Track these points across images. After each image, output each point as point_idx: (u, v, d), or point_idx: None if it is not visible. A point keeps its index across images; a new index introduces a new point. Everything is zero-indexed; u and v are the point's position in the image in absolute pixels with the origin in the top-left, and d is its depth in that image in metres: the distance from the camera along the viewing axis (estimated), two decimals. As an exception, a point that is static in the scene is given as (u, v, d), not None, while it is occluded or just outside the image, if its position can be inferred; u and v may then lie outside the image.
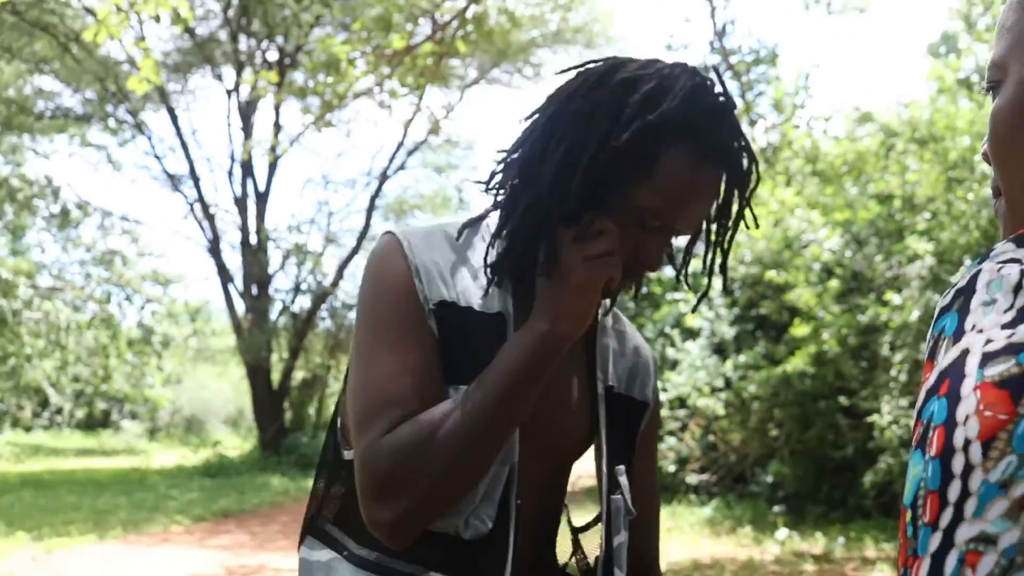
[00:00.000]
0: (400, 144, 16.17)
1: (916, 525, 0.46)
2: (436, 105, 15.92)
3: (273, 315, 16.06)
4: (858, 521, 7.89)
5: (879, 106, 8.52)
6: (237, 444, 17.68)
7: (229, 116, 16.84)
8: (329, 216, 17.04)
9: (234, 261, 15.90)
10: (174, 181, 15.82)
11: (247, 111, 15.77)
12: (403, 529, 0.95)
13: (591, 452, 1.13)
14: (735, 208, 1.03)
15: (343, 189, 20.91)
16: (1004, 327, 0.46)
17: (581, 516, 1.18)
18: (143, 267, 18.05)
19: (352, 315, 17.50)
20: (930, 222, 7.44)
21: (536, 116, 1.03)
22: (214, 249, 15.46)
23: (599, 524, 1.10)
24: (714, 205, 1.03)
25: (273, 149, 13.70)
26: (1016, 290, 0.47)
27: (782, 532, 7.61)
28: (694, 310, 1.14)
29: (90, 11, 13.33)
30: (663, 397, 9.09)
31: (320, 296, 16.55)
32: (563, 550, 1.17)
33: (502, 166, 1.06)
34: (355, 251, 16.56)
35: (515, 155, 1.04)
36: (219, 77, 16.07)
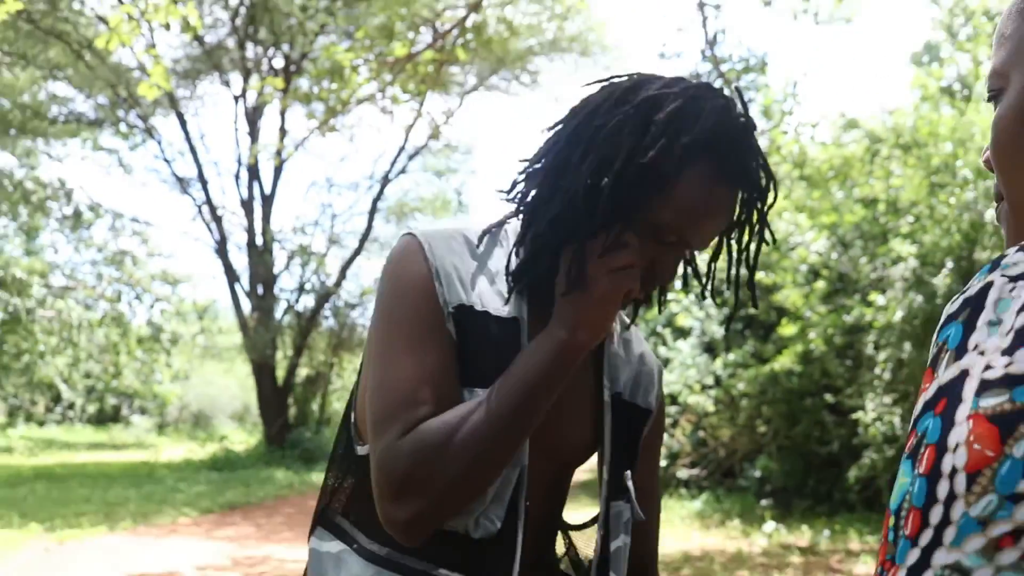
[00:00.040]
0: (401, 148, 16.17)
1: (897, 533, 0.46)
2: (436, 111, 15.89)
3: (278, 314, 16.04)
4: (843, 514, 7.90)
5: (864, 113, 8.53)
6: (243, 439, 17.67)
7: (236, 121, 16.81)
8: (333, 218, 17.02)
9: (240, 261, 15.88)
10: (183, 184, 15.81)
11: (254, 116, 15.75)
12: (418, 528, 0.94)
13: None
14: (756, 227, 1.03)
15: (346, 192, 20.85)
16: (1004, 352, 0.45)
17: (574, 511, 1.17)
18: (153, 267, 18.03)
19: (354, 314, 17.51)
20: (913, 225, 7.44)
21: (559, 127, 1.02)
22: (221, 250, 15.45)
23: (595, 525, 1.10)
24: (728, 222, 1.02)
25: (279, 153, 13.65)
26: (1021, 311, 0.46)
27: (769, 525, 7.62)
28: (726, 328, 1.13)
29: (102, 19, 13.31)
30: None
31: (323, 296, 16.54)
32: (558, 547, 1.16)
33: (524, 175, 1.04)
34: (357, 252, 16.56)
35: (537, 165, 1.02)
36: (227, 83, 16.05)
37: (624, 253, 0.96)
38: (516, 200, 1.05)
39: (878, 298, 7.34)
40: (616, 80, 1.02)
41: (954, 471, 0.43)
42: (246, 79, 15.45)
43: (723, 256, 1.08)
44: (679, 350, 9.41)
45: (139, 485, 10.87)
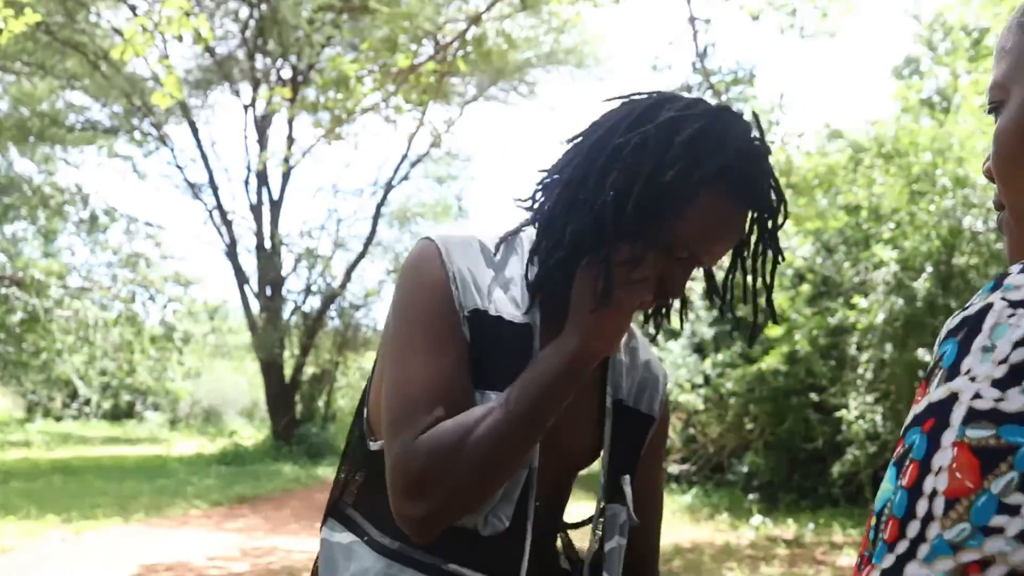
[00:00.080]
0: (404, 156, 16.17)
1: (877, 534, 0.47)
2: (438, 120, 15.88)
3: (286, 314, 16.03)
4: (827, 508, 7.90)
5: (848, 124, 8.52)
6: (252, 434, 17.64)
7: (246, 129, 16.83)
8: (338, 223, 17.02)
9: (250, 264, 15.86)
10: (194, 189, 15.80)
11: (262, 125, 15.74)
12: (431, 526, 0.94)
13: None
14: (771, 245, 1.03)
15: (351, 197, 20.91)
16: (995, 384, 0.44)
17: (571, 508, 1.17)
18: (165, 269, 17.98)
19: (358, 315, 17.53)
20: (894, 231, 7.44)
21: (579, 140, 1.01)
22: (231, 253, 15.43)
23: (590, 524, 1.09)
24: (738, 240, 1.03)
25: (286, 160, 13.66)
26: (1018, 345, 0.45)
27: (756, 518, 7.62)
28: (750, 345, 1.12)
29: (118, 31, 13.29)
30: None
31: (329, 297, 16.52)
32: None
33: (541, 185, 1.03)
34: (362, 255, 16.55)
35: (555, 176, 1.02)
36: (237, 93, 16.04)
37: (630, 267, 0.96)
38: (533, 209, 1.04)
39: (861, 301, 7.34)
40: (636, 98, 1.01)
41: (935, 493, 0.44)
42: (255, 89, 15.44)
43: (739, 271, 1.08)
44: (670, 350, 9.41)
45: (152, 478, 10.86)
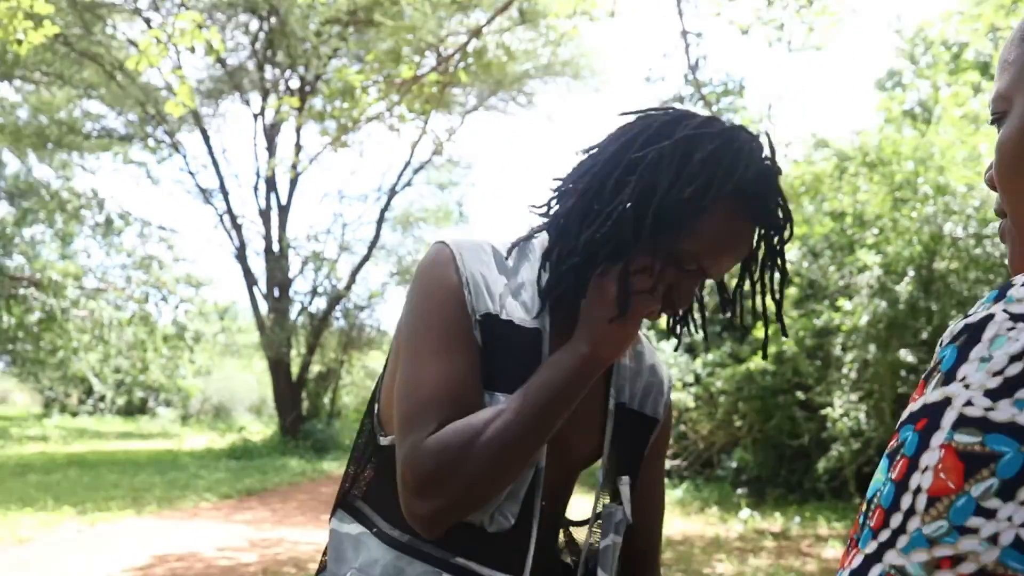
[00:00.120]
0: (407, 163, 16.14)
1: (865, 521, 0.48)
2: (440, 129, 15.88)
3: (293, 315, 16.00)
4: (812, 502, 7.89)
5: (833, 133, 8.52)
6: (260, 430, 17.60)
7: (255, 137, 16.76)
8: (343, 227, 16.99)
9: (258, 266, 15.83)
10: (206, 194, 15.77)
11: (271, 133, 15.72)
12: (438, 522, 0.93)
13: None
14: (777, 261, 1.03)
15: (356, 203, 20.86)
16: (987, 393, 0.45)
17: (580, 502, 1.16)
18: (177, 271, 17.97)
19: (362, 315, 17.50)
20: (878, 237, 7.44)
21: (595, 151, 1.01)
22: (241, 255, 15.40)
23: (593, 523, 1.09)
24: (745, 255, 1.03)
25: (294, 167, 13.62)
26: (1014, 359, 0.45)
27: (745, 512, 7.60)
28: (764, 357, 1.13)
29: (133, 43, 13.29)
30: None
31: (335, 298, 16.50)
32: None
33: (556, 193, 1.03)
34: (366, 258, 16.53)
35: (571, 185, 1.01)
36: (247, 102, 16.02)
37: (647, 277, 0.96)
38: (546, 216, 1.03)
39: (845, 304, 7.34)
40: (653, 113, 1.01)
41: (919, 489, 0.45)
42: (264, 98, 15.42)
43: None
44: (662, 350, 9.40)
45: (164, 472, 10.83)
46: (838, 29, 7.15)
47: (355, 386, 19.30)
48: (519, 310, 1.01)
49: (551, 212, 1.03)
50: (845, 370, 7.45)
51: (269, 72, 15.59)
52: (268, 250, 15.53)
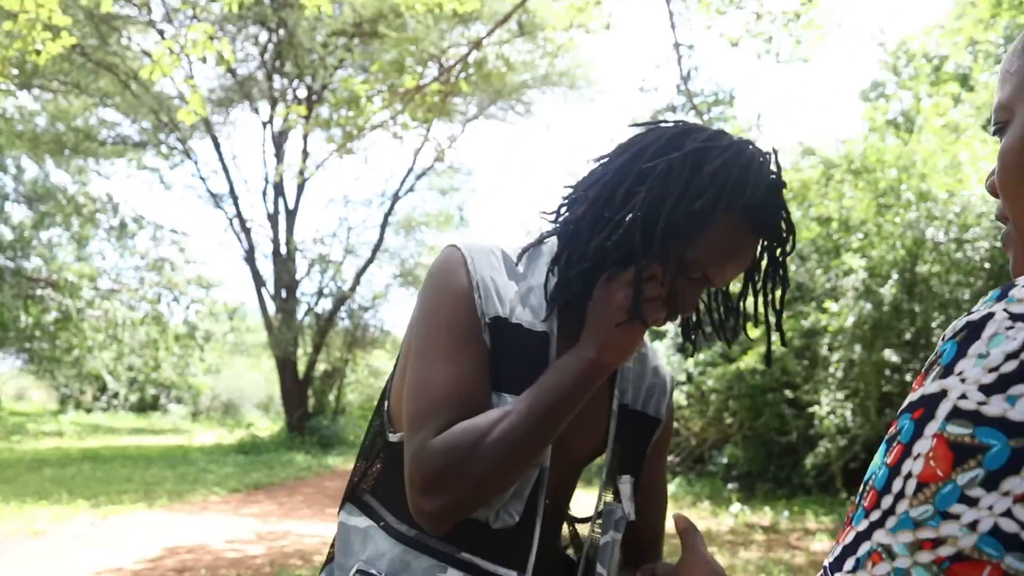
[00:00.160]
0: (410, 169, 16.13)
1: (860, 500, 0.49)
2: (441, 136, 15.85)
3: (299, 315, 15.97)
4: (800, 497, 7.87)
5: (820, 142, 8.51)
6: (267, 426, 17.57)
7: (264, 144, 16.70)
8: (348, 230, 16.96)
9: (266, 268, 15.80)
10: (216, 199, 15.73)
11: (279, 140, 15.70)
12: (444, 520, 0.92)
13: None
14: (779, 272, 1.02)
15: (360, 207, 20.80)
16: (982, 388, 0.46)
17: (584, 498, 1.15)
18: (189, 273, 17.95)
19: (367, 316, 17.47)
20: (863, 241, 7.43)
21: (606, 160, 1.00)
22: (249, 258, 15.37)
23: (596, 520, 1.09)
24: (749, 265, 1.02)
25: (301, 172, 13.64)
26: (1010, 356, 0.46)
27: (735, 506, 7.58)
28: (768, 365, 1.12)
29: (147, 53, 13.27)
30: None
31: (340, 299, 16.47)
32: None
33: (567, 200, 1.02)
34: (370, 261, 16.51)
35: (581, 193, 1.00)
36: (256, 110, 15.99)
37: (656, 285, 0.95)
38: (557, 222, 1.02)
39: (832, 305, 7.32)
40: (664, 125, 1.01)
41: (910, 475, 0.46)
42: (273, 107, 15.40)
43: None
44: (655, 350, 9.37)
45: (174, 466, 10.79)
46: (824, 42, 7.14)
47: (359, 384, 19.27)
48: (527, 314, 1.00)
49: (561, 218, 1.02)
50: (832, 369, 7.44)
51: (277, 82, 15.57)
52: (276, 253, 15.51)
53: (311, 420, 15.16)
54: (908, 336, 7.13)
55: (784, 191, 1.00)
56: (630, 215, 0.93)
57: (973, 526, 0.43)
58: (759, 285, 1.04)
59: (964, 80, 10.06)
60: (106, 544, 5.72)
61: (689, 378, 9.05)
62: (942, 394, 0.47)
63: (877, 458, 0.50)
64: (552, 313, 1.00)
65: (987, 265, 6.58)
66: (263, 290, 15.45)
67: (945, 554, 0.44)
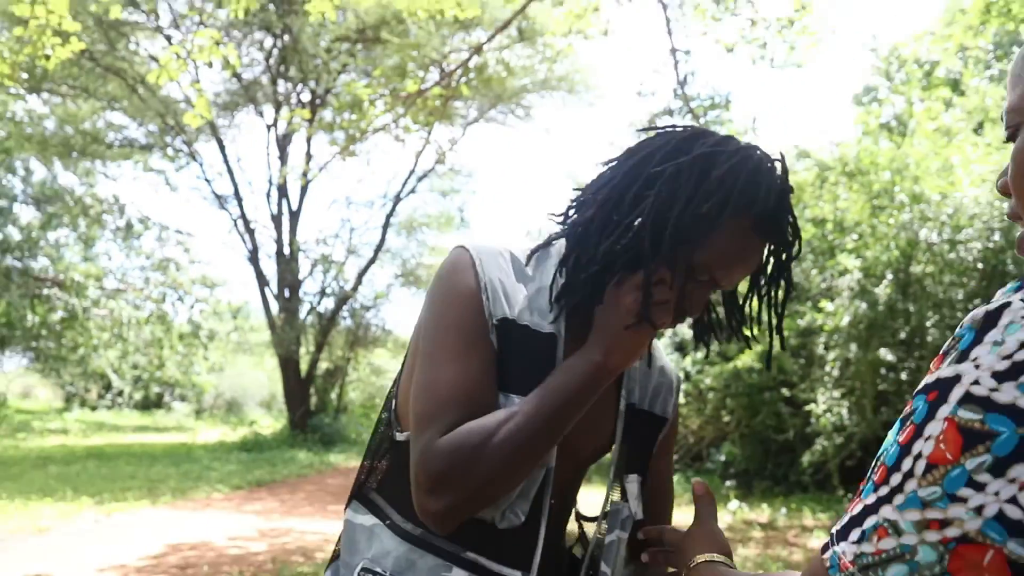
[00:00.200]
0: (411, 171, 16.10)
1: (870, 475, 0.50)
2: (442, 139, 15.81)
3: (302, 315, 15.92)
4: (797, 494, 7.82)
5: (814, 145, 8.48)
6: (270, 424, 17.51)
7: (268, 146, 16.70)
8: (351, 231, 16.92)
9: (270, 268, 15.76)
10: (221, 200, 15.69)
11: (283, 143, 15.66)
12: (449, 519, 0.90)
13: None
14: (784, 276, 1.01)
15: (363, 209, 20.82)
16: (995, 375, 0.46)
17: (592, 495, 1.09)
18: (193, 272, 17.87)
19: (368, 315, 17.43)
20: (857, 242, 7.40)
21: (615, 164, 0.98)
22: (253, 258, 15.33)
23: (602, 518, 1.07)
24: (755, 268, 1.01)
25: (305, 174, 13.58)
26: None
27: (733, 503, 7.53)
28: (768, 368, 1.12)
29: (154, 58, 13.22)
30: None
31: (342, 299, 16.43)
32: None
33: (576, 203, 1.00)
34: (372, 261, 16.48)
35: (590, 196, 0.98)
36: (260, 114, 15.95)
37: (666, 289, 0.94)
38: (565, 224, 1.01)
39: (827, 305, 7.28)
40: (671, 130, 0.99)
41: (920, 455, 0.47)
42: (277, 110, 15.37)
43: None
44: (661, 349, 9.36)
45: (178, 464, 10.72)
46: (818, 48, 7.12)
47: (361, 382, 19.22)
48: (535, 315, 0.98)
49: (569, 220, 1.00)
50: (828, 368, 7.40)
51: (282, 86, 15.53)
52: (279, 253, 15.47)
53: (313, 418, 15.11)
54: (903, 335, 7.09)
55: (790, 194, 0.98)
56: (639, 219, 0.92)
57: (979, 510, 0.44)
58: (763, 289, 1.02)
59: (955, 85, 10.03)
60: (110, 541, 5.65)
61: (687, 376, 9.00)
62: (956, 378, 0.47)
63: (890, 435, 0.50)
64: (560, 315, 0.99)
65: (980, 265, 6.55)
66: (266, 290, 15.41)
67: (951, 535, 0.44)
